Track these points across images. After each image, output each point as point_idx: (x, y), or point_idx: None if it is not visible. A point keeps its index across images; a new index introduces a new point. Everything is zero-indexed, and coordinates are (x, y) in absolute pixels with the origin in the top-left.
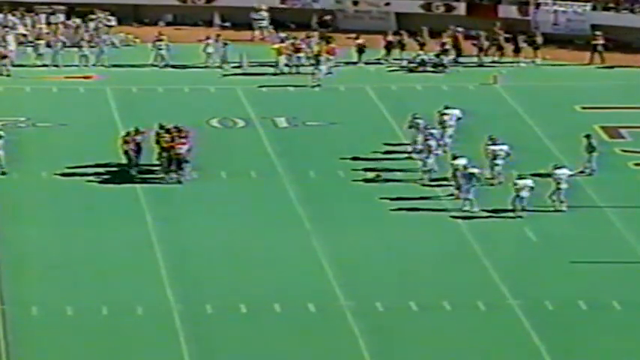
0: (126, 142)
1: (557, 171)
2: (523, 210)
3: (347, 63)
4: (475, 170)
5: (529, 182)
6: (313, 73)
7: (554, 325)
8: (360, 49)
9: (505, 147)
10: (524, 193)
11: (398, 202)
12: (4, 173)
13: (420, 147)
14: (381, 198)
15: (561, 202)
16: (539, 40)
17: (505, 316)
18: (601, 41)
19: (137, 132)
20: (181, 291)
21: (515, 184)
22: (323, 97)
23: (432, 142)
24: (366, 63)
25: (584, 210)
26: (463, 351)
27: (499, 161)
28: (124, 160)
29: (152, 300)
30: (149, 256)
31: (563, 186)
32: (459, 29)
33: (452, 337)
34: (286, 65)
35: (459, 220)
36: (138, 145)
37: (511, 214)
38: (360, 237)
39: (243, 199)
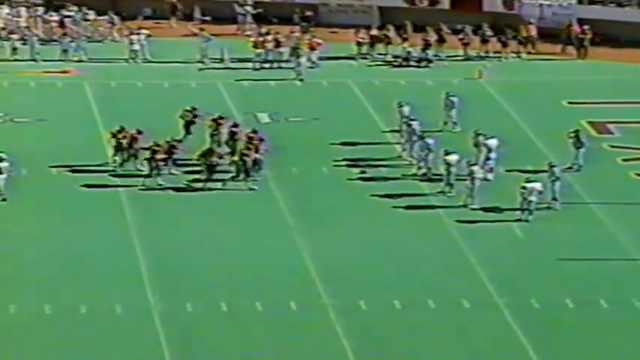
0: (155, 150)
1: (528, 184)
2: (530, 214)
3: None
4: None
5: (538, 186)
6: (297, 66)
7: (541, 323)
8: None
9: (494, 140)
10: (534, 197)
11: (382, 198)
12: (4, 199)
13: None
14: (365, 194)
15: (530, 212)
16: (532, 33)
17: (491, 315)
18: (582, 35)
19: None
20: (161, 289)
21: (524, 188)
22: (305, 92)
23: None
24: (347, 57)
25: (571, 207)
26: (447, 350)
27: (492, 155)
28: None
29: (132, 299)
30: (129, 255)
31: (533, 199)
32: (446, 25)
33: (436, 336)
34: (266, 60)
35: (445, 217)
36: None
37: (498, 212)
38: (343, 234)
39: (224, 195)
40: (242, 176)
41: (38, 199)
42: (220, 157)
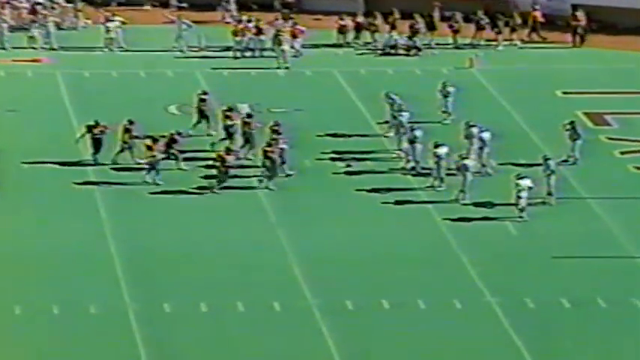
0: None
1: (521, 181)
2: (522, 211)
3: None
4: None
5: (528, 182)
6: (281, 54)
7: (535, 324)
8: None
9: (488, 134)
10: (524, 194)
11: (369, 193)
12: None
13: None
14: (351, 189)
15: (521, 210)
16: (538, 20)
17: (483, 315)
18: (576, 22)
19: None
20: (137, 289)
21: (518, 185)
22: (288, 81)
23: (418, 132)
24: (332, 45)
25: (567, 202)
26: (437, 351)
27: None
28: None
29: (106, 299)
30: (103, 252)
31: (524, 195)
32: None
33: (426, 337)
34: (247, 48)
35: (436, 214)
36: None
37: (490, 208)
38: (328, 230)
39: (203, 191)
40: (270, 174)
41: (7, 194)
42: (238, 159)
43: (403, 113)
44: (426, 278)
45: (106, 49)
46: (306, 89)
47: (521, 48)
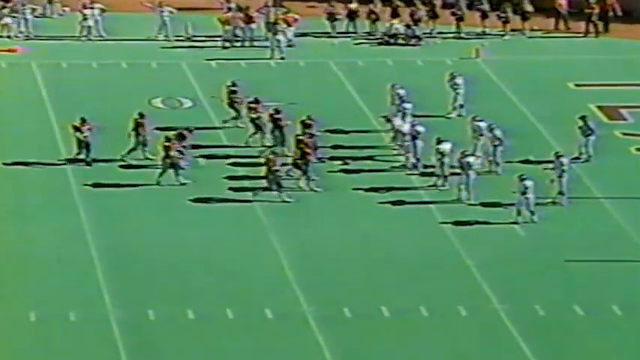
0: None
1: (526, 182)
2: (519, 214)
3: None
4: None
5: (528, 183)
6: (278, 46)
7: (546, 332)
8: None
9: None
10: (530, 195)
11: (368, 193)
12: None
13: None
14: (348, 188)
15: (518, 213)
16: (529, 8)
17: (489, 323)
18: (589, 9)
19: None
20: (120, 294)
21: (524, 187)
22: (281, 73)
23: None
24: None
25: (580, 201)
26: None
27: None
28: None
29: (87, 305)
30: (83, 255)
31: (530, 196)
32: None
33: (428, 347)
34: (236, 37)
35: (439, 214)
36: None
37: (500, 208)
38: (324, 232)
39: (189, 188)
40: (303, 178)
41: None
42: (284, 165)
43: (406, 104)
44: (429, 283)
45: (84, 38)
46: (300, 81)
47: (530, 37)
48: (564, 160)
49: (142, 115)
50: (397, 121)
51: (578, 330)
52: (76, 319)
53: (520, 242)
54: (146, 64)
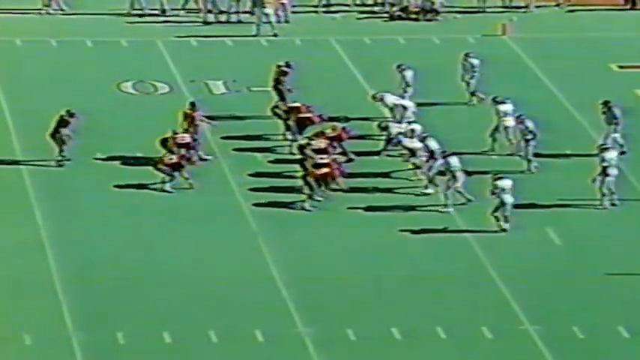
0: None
1: (499, 182)
2: (506, 221)
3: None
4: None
5: (508, 183)
6: (264, 18)
7: (585, 357)
8: None
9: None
10: (509, 198)
11: (374, 197)
12: None
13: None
14: (353, 191)
15: (505, 219)
16: None
17: (519, 347)
18: None
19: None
20: (84, 314)
21: (495, 187)
22: (273, 53)
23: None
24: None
25: (623, 204)
26: None
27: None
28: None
29: (45, 326)
30: (39, 266)
31: (509, 200)
32: None
33: None
34: (220, 12)
35: (458, 219)
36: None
37: (532, 211)
38: (324, 242)
39: (169, 194)
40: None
41: None
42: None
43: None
44: (447, 301)
45: (43, 12)
46: (296, 62)
47: (568, 11)
48: (611, 154)
49: (193, 105)
50: (406, 142)
51: (622, 354)
52: (32, 342)
53: (555, 252)
54: (115, 42)
